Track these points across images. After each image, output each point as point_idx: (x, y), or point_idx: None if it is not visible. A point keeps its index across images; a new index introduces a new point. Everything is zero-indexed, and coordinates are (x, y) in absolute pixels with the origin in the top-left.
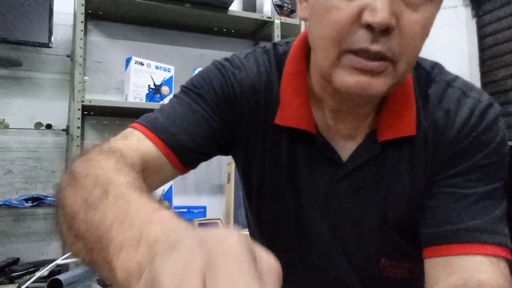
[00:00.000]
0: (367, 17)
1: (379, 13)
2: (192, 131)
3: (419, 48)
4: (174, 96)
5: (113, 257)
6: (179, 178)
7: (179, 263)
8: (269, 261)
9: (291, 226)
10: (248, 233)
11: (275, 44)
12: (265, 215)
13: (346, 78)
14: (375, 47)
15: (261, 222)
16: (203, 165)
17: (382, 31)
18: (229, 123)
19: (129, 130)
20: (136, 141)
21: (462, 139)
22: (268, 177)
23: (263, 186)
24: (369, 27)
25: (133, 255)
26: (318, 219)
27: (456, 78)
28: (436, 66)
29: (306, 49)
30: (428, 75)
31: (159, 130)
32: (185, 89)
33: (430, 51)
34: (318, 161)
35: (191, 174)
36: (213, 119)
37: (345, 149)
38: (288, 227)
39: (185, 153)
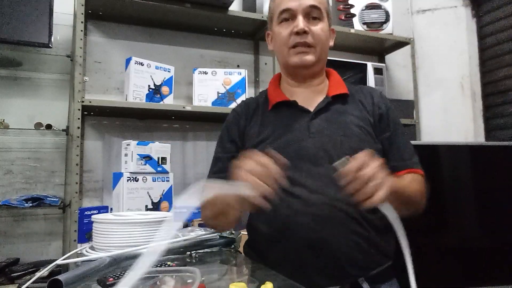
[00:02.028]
0: (295, 29)
1: (299, 26)
2: (223, 166)
3: (324, 40)
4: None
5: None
6: (179, 178)
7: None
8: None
9: (292, 149)
10: (247, 232)
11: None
12: (270, 146)
13: (294, 59)
14: (302, 40)
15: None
16: (202, 166)
17: (303, 33)
18: (240, 132)
19: None
20: None
21: (383, 107)
22: (271, 133)
23: (268, 139)
24: (297, 33)
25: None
26: (307, 141)
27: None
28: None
29: (278, 77)
30: (351, 85)
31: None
32: (221, 133)
33: (430, 51)
34: (296, 112)
35: (191, 175)
36: (230, 143)
37: (311, 107)
38: (291, 150)
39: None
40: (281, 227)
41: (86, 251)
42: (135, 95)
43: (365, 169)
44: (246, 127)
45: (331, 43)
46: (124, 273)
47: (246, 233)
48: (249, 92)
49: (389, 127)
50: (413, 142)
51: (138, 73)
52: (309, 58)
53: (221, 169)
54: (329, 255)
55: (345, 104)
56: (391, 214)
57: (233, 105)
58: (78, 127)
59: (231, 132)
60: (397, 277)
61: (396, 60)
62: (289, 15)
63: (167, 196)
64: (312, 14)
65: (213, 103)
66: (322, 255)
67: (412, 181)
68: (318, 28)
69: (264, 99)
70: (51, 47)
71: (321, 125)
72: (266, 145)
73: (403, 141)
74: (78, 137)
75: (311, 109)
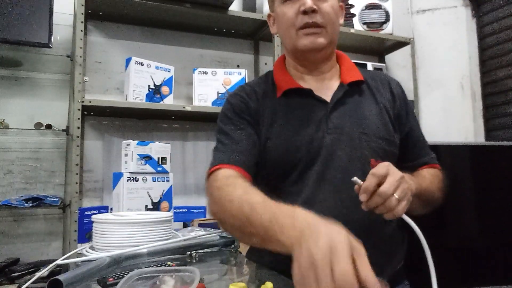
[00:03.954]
0: (302, 8)
1: (307, 4)
2: (245, 150)
3: (334, 20)
4: (219, 131)
5: (279, 235)
6: (179, 178)
7: (326, 243)
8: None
9: (308, 147)
10: None
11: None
12: (289, 142)
13: (304, 41)
14: (311, 19)
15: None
16: (203, 166)
17: (311, 12)
18: (253, 116)
19: (221, 171)
20: (229, 174)
21: (403, 100)
22: (283, 126)
23: (282, 133)
24: (304, 12)
25: (292, 232)
26: (324, 136)
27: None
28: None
29: (283, 59)
30: (363, 69)
31: (233, 162)
32: (224, 123)
33: (430, 51)
34: (311, 102)
35: (191, 175)
36: (247, 128)
37: (327, 96)
38: (307, 149)
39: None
40: None
41: (86, 251)
42: (135, 95)
43: (385, 184)
44: (259, 109)
45: (341, 21)
46: (124, 273)
47: None
48: None
49: (410, 121)
50: None
51: (138, 73)
52: (321, 40)
53: (234, 149)
54: None
55: (361, 95)
56: (413, 223)
57: None
58: (78, 127)
59: (242, 113)
60: (408, 277)
61: (396, 60)
62: None
63: (167, 196)
64: None
65: (213, 103)
66: None
67: (433, 178)
68: (328, 5)
69: (270, 85)
70: (51, 47)
71: (340, 119)
72: (279, 142)
73: (422, 135)
74: (78, 137)
75: (327, 98)
